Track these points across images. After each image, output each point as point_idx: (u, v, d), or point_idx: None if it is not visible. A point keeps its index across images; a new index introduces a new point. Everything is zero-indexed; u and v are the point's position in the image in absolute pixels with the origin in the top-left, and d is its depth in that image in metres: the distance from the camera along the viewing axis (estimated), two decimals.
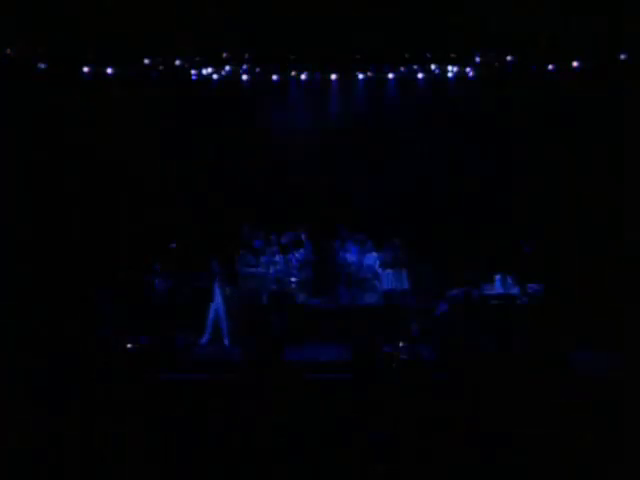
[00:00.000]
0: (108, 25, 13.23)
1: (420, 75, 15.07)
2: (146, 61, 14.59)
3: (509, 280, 13.24)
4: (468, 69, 14.78)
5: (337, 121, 15.52)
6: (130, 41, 13.76)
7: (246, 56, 14.68)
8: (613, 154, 13.76)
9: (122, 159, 14.75)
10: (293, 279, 14.25)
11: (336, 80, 15.28)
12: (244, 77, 15.10)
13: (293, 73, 15.14)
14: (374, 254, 14.39)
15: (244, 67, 14.97)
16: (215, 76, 14.93)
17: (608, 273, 13.42)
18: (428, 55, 14.54)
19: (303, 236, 14.68)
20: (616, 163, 13.66)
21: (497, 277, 13.27)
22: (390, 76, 15.21)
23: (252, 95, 15.34)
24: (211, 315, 13.17)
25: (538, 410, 10.17)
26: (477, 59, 14.54)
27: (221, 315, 13.12)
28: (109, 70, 14.54)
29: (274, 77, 15.20)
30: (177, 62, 14.71)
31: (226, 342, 13.08)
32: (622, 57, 13.39)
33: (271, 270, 14.11)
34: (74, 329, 11.92)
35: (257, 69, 15.09)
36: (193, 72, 14.81)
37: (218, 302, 13.12)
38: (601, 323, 12.43)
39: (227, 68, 14.86)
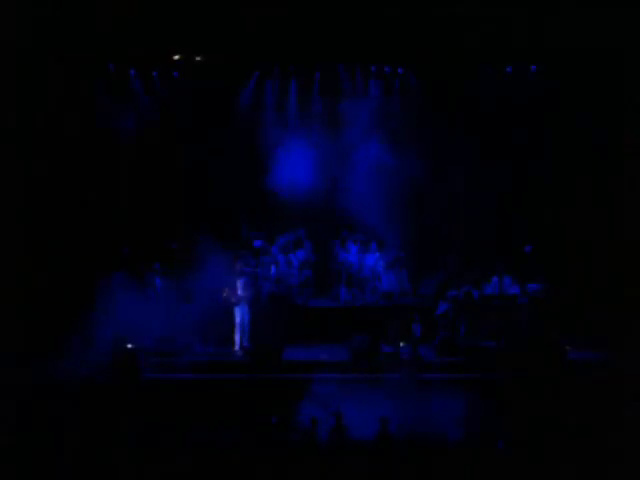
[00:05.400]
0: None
1: (419, 74, 15.11)
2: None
3: (506, 280, 13.25)
4: (469, 70, 14.76)
5: (337, 121, 15.49)
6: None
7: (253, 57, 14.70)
8: (613, 153, 13.76)
9: (123, 159, 14.76)
10: (293, 279, 14.26)
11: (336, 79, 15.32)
12: (250, 78, 15.19)
13: (295, 72, 15.19)
14: (374, 254, 14.39)
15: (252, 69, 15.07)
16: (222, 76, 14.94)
17: (608, 273, 13.42)
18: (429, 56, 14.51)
19: (303, 236, 14.68)
20: (616, 163, 13.65)
21: (494, 278, 13.28)
22: (389, 75, 15.26)
23: (254, 95, 15.36)
24: (238, 319, 12.91)
25: (537, 409, 10.19)
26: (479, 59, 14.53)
27: (247, 319, 12.91)
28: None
29: (276, 77, 15.24)
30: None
31: (243, 345, 12.83)
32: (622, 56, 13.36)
33: (272, 270, 14.11)
34: (74, 328, 11.91)
35: (257, 72, 15.17)
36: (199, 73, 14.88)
37: (244, 307, 12.93)
38: (600, 322, 12.43)
39: (233, 69, 14.89)
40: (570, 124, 14.33)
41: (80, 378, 11.11)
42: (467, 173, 14.99)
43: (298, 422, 10.04)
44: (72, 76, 14.03)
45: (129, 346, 11.96)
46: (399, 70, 15.25)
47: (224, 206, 15.03)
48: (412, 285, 14.28)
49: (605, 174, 13.95)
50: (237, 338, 12.82)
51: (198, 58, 14.70)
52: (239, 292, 12.81)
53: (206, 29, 13.55)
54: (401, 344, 12.17)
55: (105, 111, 14.79)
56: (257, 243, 14.37)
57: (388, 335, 12.66)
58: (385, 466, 8.97)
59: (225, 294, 12.81)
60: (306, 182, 15.15)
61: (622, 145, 13.54)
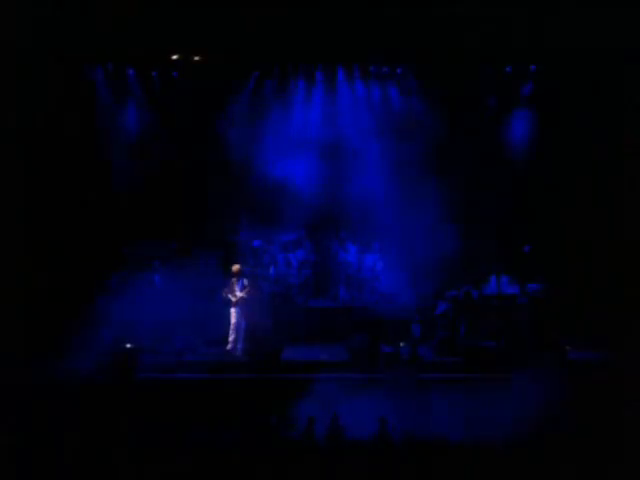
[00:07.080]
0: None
1: (419, 74, 15.11)
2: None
3: (503, 279, 13.25)
4: (469, 70, 14.74)
5: (337, 121, 15.48)
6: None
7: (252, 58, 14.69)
8: (613, 153, 13.75)
9: (123, 158, 14.76)
10: (292, 279, 14.26)
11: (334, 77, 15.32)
12: (249, 78, 15.19)
13: (295, 72, 15.19)
14: (374, 254, 14.39)
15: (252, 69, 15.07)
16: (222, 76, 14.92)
17: (608, 273, 13.42)
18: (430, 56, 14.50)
19: (303, 236, 14.67)
20: (616, 163, 13.65)
21: (492, 278, 13.28)
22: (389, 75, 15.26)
23: (254, 95, 15.35)
24: (234, 320, 12.82)
25: (537, 409, 10.18)
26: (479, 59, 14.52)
27: (242, 323, 12.83)
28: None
29: (277, 77, 15.24)
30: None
31: (240, 347, 12.78)
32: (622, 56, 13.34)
33: (271, 270, 14.11)
34: (74, 328, 11.92)
35: (257, 72, 15.16)
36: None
37: (243, 308, 12.84)
38: (600, 322, 12.43)
39: (236, 69, 14.89)
40: (570, 124, 14.33)
41: (80, 378, 11.12)
42: (467, 173, 14.98)
43: (298, 422, 10.03)
44: (72, 76, 14.04)
45: (128, 346, 11.96)
46: (398, 70, 15.25)
47: (224, 206, 15.02)
48: (412, 285, 14.28)
49: (605, 174, 13.94)
50: (231, 339, 12.78)
51: (197, 58, 14.69)
52: (238, 292, 12.80)
53: (206, 29, 13.52)
54: (401, 344, 12.16)
55: (105, 111, 14.82)
56: (256, 243, 14.37)
57: (388, 335, 12.66)
58: (384, 466, 8.96)
59: (224, 294, 12.81)
60: (306, 182, 15.15)
61: (622, 145, 13.54)
